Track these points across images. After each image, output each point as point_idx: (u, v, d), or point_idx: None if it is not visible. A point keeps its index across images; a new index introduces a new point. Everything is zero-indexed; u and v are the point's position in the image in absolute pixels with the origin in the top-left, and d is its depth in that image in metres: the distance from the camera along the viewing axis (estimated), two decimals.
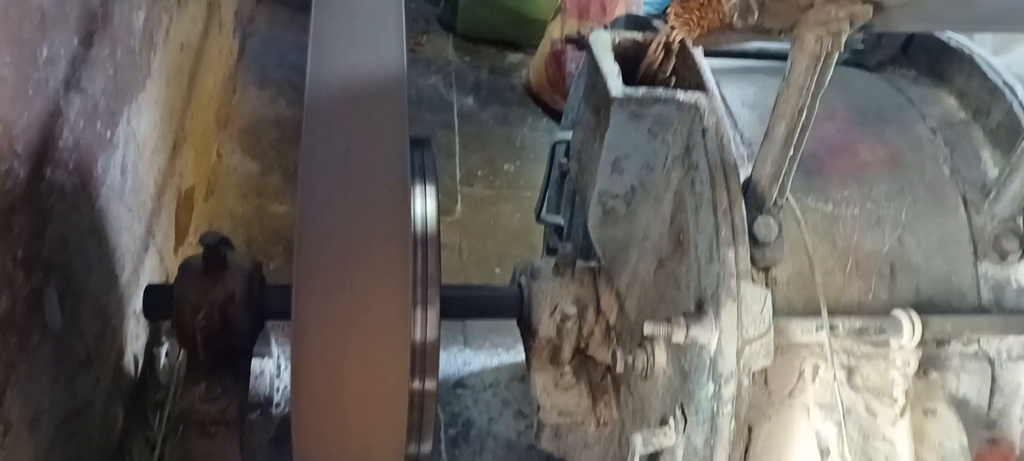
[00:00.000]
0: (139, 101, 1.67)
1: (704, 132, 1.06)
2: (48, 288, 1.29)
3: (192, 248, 2.13)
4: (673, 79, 1.18)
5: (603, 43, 1.18)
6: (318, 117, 1.26)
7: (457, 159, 2.58)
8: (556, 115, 2.76)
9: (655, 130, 1.12)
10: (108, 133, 1.52)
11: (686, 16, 1.10)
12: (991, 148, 1.17)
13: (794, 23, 0.92)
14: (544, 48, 2.68)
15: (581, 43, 1.45)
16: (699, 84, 1.12)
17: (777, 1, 0.87)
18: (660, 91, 1.10)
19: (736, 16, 0.86)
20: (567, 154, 1.50)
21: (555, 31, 2.61)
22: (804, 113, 0.95)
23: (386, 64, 1.32)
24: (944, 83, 1.27)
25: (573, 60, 2.60)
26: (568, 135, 1.50)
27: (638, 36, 1.20)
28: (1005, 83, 1.17)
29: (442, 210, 2.60)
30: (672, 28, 1.11)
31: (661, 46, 1.14)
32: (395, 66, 1.32)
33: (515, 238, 2.36)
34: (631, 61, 1.20)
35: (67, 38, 1.32)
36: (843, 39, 0.88)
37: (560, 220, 1.69)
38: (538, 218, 1.72)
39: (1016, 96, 1.16)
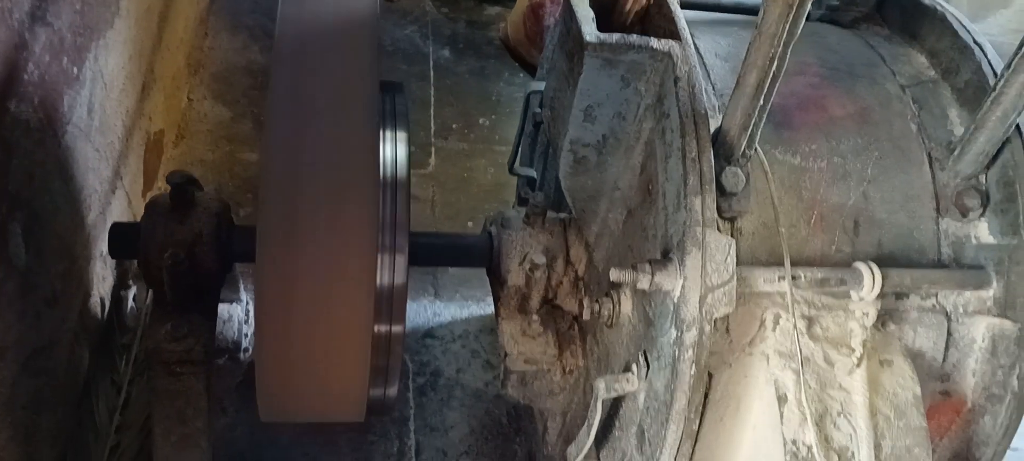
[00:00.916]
0: (107, 39, 1.64)
1: (676, 81, 1.06)
2: (12, 223, 1.27)
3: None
4: (647, 27, 1.17)
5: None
6: (287, 58, 1.24)
7: (432, 112, 2.56)
8: (533, 70, 2.74)
9: (628, 78, 1.12)
10: (75, 70, 1.49)
11: None
12: (958, 107, 1.19)
13: None
14: (521, 3, 2.66)
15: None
16: (673, 33, 1.12)
17: None
18: (634, 38, 1.09)
19: None
20: (542, 104, 1.50)
21: None
22: (775, 63, 0.96)
23: (357, 6, 1.30)
24: (916, 41, 1.28)
25: (551, 14, 2.58)
26: (543, 85, 1.49)
27: None
28: (975, 41, 1.18)
29: (415, 163, 2.58)
30: None
31: None
32: (367, 9, 1.31)
33: (488, 193, 2.35)
34: (606, 8, 1.20)
35: None
36: None
37: (533, 173, 1.69)
38: (511, 170, 1.72)
39: (986, 54, 1.17)
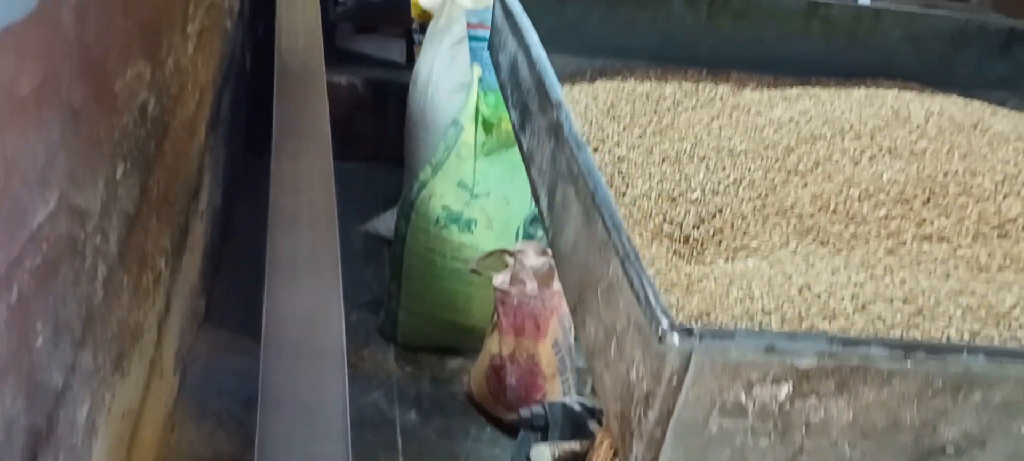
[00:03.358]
0: None
1: None
2: None
3: None
4: None
5: (545, 459, 1.24)
6: None
7: None
8: (498, 423, 2.80)
9: None
10: None
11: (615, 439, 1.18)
12: None
13: None
14: (483, 362, 2.76)
15: (525, 424, 1.54)
16: None
17: None
18: None
19: None
20: None
21: (493, 347, 2.71)
22: None
23: (330, 428, 1.37)
24: None
25: (512, 374, 2.67)
26: None
27: (576, 446, 1.27)
28: None
29: None
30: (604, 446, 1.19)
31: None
32: (339, 432, 1.37)
33: None
34: None
35: None
36: None
37: None
38: None
39: None
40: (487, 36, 1.47)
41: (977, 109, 1.40)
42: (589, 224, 0.80)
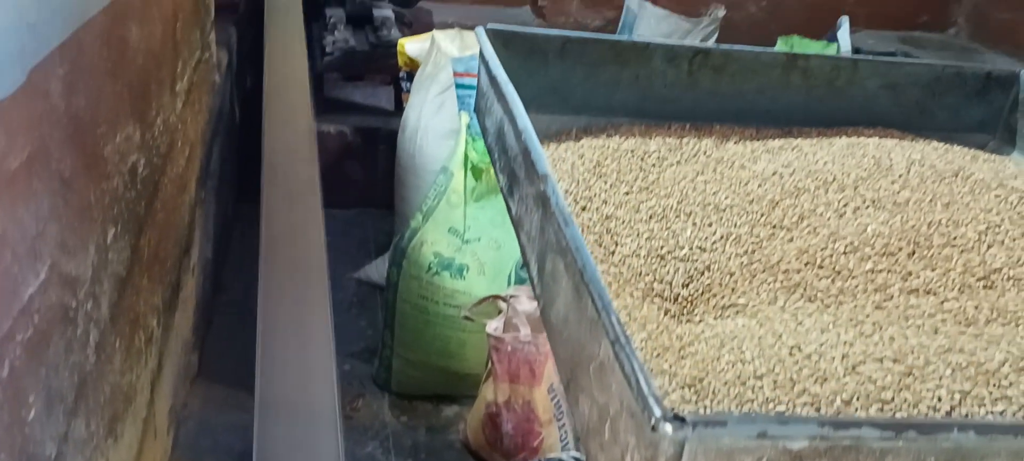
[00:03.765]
0: None
1: None
2: None
3: None
4: None
5: None
6: None
7: None
8: None
9: None
10: None
11: None
12: None
13: None
14: (479, 409, 2.75)
15: None
16: None
17: None
18: None
19: None
20: None
21: (488, 394, 2.70)
22: None
23: None
24: None
25: (508, 421, 2.66)
26: None
27: None
28: None
29: None
30: None
31: None
32: None
33: None
34: None
35: None
36: None
37: None
38: None
39: None
40: (474, 84, 1.49)
41: (958, 156, 1.42)
42: (579, 300, 0.80)
